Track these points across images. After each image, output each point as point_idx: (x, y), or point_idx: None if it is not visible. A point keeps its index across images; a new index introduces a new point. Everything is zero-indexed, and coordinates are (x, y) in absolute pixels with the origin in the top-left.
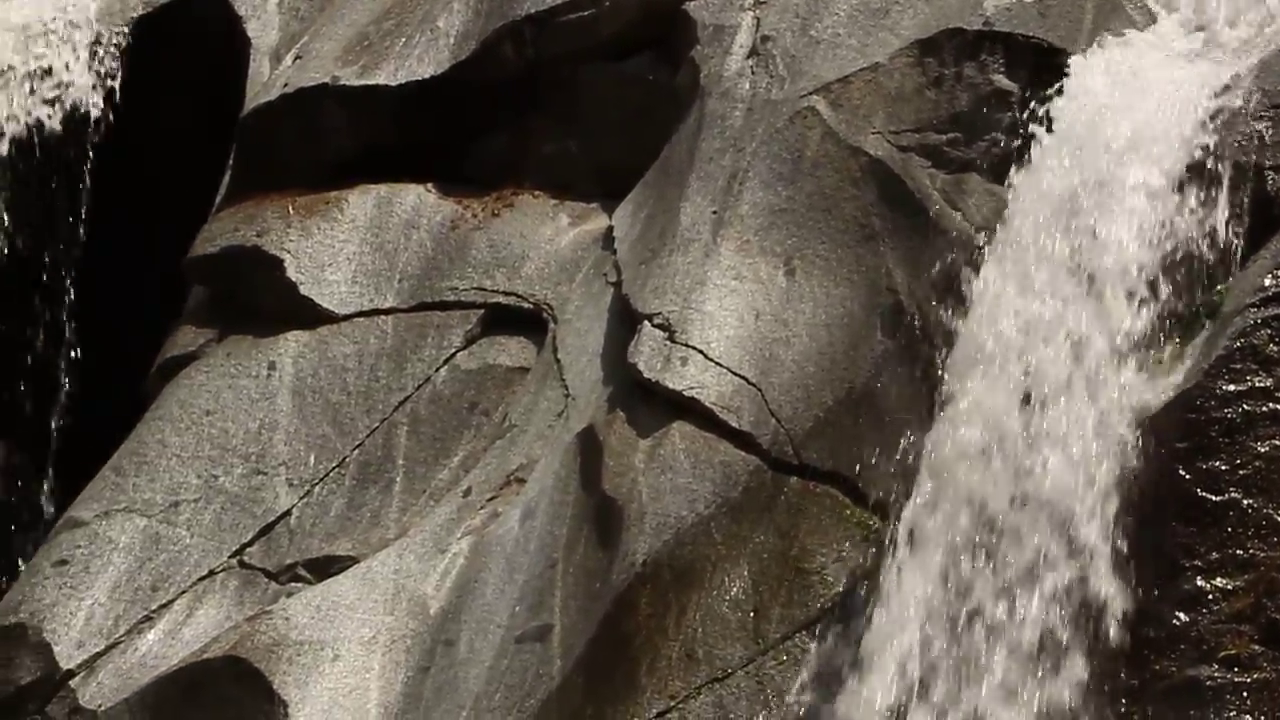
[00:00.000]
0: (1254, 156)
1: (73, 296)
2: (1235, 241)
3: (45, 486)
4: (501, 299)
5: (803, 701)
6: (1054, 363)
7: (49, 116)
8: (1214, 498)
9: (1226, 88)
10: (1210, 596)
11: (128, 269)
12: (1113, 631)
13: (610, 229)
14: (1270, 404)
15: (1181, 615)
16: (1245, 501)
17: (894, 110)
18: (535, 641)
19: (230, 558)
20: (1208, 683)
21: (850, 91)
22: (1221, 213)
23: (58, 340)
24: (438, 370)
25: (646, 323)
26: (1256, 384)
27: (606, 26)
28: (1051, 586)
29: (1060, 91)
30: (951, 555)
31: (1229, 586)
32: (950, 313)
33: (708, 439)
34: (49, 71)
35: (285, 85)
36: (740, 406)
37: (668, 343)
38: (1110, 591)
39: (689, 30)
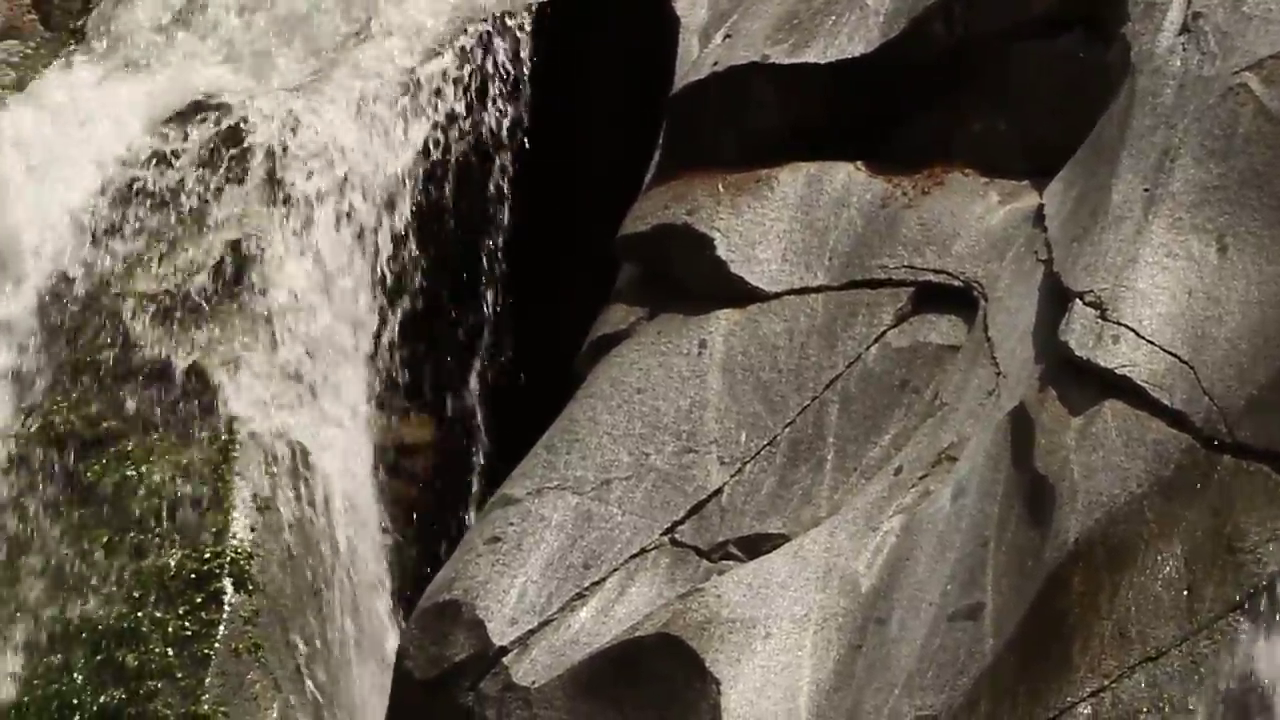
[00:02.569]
0: None
1: (503, 275)
2: None
3: (476, 465)
4: (932, 277)
5: (1236, 681)
6: None
7: (477, 99)
8: None
9: None
10: None
11: (557, 248)
12: None
13: (1041, 206)
14: None
15: None
16: None
17: None
18: (967, 620)
19: (662, 535)
20: None
21: None
22: None
23: (489, 320)
24: (868, 348)
25: (1078, 300)
26: None
27: (1036, 3)
28: None
29: None
30: None
31: None
32: None
33: (1140, 417)
34: (473, 52)
35: (715, 64)
36: (1172, 384)
37: (1099, 320)
38: None
39: (1120, 7)
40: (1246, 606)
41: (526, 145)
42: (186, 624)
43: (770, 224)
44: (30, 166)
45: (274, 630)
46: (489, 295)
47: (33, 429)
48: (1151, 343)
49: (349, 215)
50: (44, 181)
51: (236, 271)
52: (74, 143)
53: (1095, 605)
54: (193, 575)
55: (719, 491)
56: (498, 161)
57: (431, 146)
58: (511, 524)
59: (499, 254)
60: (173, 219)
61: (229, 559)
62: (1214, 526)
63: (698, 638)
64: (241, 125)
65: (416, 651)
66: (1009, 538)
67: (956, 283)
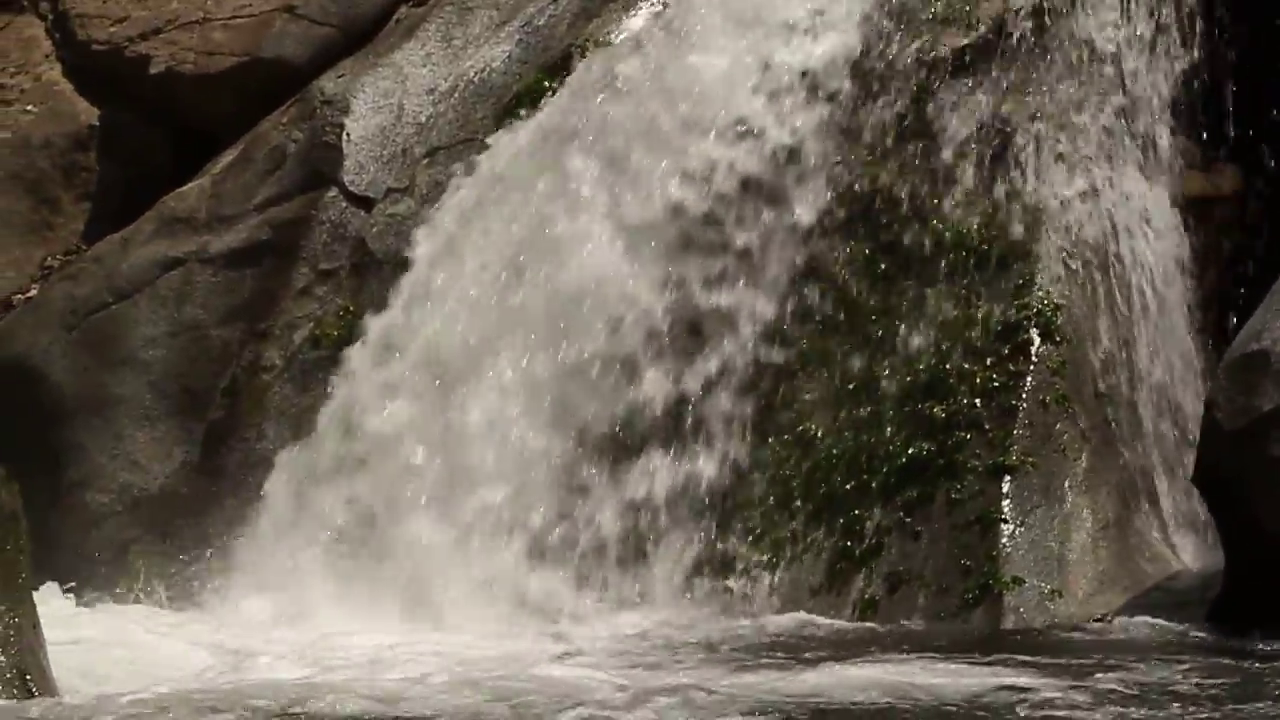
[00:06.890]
0: None
1: None
2: None
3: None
4: None
5: None
6: None
7: None
8: None
9: None
10: None
11: None
12: None
13: None
14: None
15: None
16: None
17: None
18: None
19: None
20: None
21: None
22: None
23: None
24: None
25: None
26: None
27: None
28: None
29: None
30: None
31: None
32: None
33: None
34: None
35: None
36: None
37: None
38: None
39: None
40: None
41: None
42: (994, 376)
43: None
44: None
45: (1082, 382)
46: None
47: (841, 189)
48: None
49: None
50: None
51: (1036, 27)
52: None
53: None
54: (1000, 327)
55: None
56: None
57: None
58: None
59: None
60: None
61: (1035, 310)
62: None
63: None
64: None
65: (1225, 402)
66: None
67: None
